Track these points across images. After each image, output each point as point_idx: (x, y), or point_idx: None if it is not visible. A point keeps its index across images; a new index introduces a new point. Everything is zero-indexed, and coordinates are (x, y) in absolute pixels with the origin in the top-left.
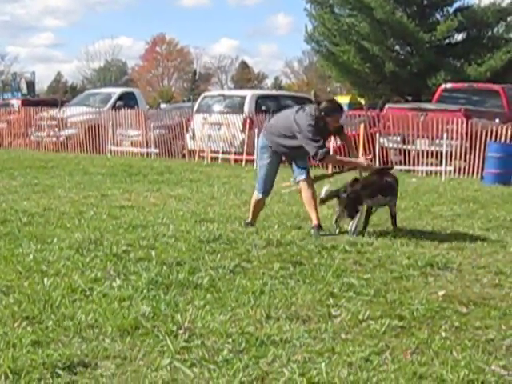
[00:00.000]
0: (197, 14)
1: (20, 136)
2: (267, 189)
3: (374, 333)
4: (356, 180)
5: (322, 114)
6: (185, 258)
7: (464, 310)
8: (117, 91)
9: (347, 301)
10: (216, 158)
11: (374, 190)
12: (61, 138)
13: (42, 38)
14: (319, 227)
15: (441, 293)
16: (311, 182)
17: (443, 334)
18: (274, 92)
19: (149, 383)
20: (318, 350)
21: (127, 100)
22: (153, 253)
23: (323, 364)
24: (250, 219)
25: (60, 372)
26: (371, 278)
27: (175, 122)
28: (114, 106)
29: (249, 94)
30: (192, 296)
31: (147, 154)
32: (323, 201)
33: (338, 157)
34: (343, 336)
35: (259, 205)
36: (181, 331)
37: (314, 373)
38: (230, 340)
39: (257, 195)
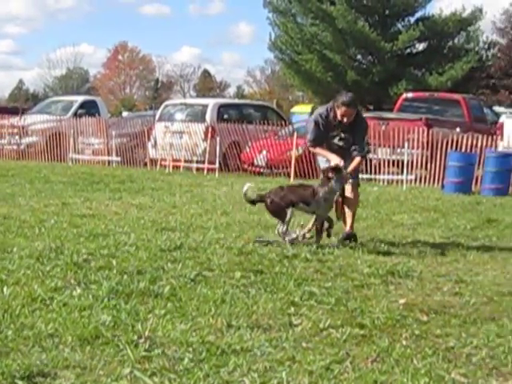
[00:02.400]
0: (158, 22)
1: None
2: None
3: (335, 341)
4: (281, 188)
5: (334, 103)
6: (146, 267)
7: (424, 318)
8: (78, 99)
9: (308, 309)
10: (178, 167)
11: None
12: (22, 146)
13: (2, 46)
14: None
15: (401, 301)
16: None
17: (404, 342)
18: (236, 101)
19: None
20: (278, 359)
21: (89, 108)
22: (113, 262)
23: (284, 373)
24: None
25: (19, 382)
26: (332, 286)
27: (137, 131)
28: (75, 114)
29: (211, 103)
30: (153, 305)
31: (109, 162)
32: (252, 202)
33: (319, 149)
34: (304, 344)
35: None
36: (141, 340)
37: (275, 382)
38: (191, 349)
39: None
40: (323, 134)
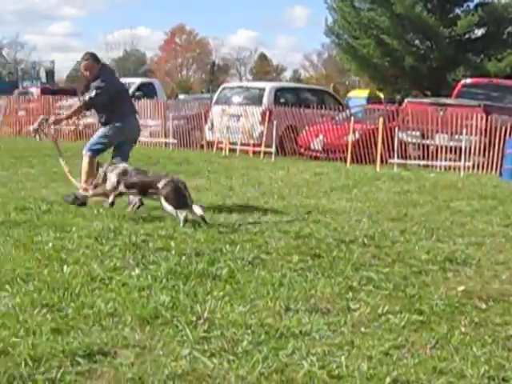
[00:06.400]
0: (214, 4)
1: None
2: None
3: (394, 327)
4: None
5: None
6: (203, 249)
7: (483, 305)
8: (136, 81)
9: (366, 294)
10: (234, 150)
11: None
12: (80, 127)
13: (60, 27)
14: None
15: (460, 288)
16: None
17: (463, 329)
18: (293, 84)
19: (168, 373)
20: (337, 343)
21: (146, 90)
22: (172, 243)
23: (343, 357)
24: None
25: (80, 360)
26: (390, 272)
27: (194, 113)
28: (133, 96)
29: (268, 86)
30: (211, 287)
31: (165, 144)
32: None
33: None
34: (362, 329)
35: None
36: (200, 322)
37: (334, 366)
38: (250, 331)
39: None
40: None
